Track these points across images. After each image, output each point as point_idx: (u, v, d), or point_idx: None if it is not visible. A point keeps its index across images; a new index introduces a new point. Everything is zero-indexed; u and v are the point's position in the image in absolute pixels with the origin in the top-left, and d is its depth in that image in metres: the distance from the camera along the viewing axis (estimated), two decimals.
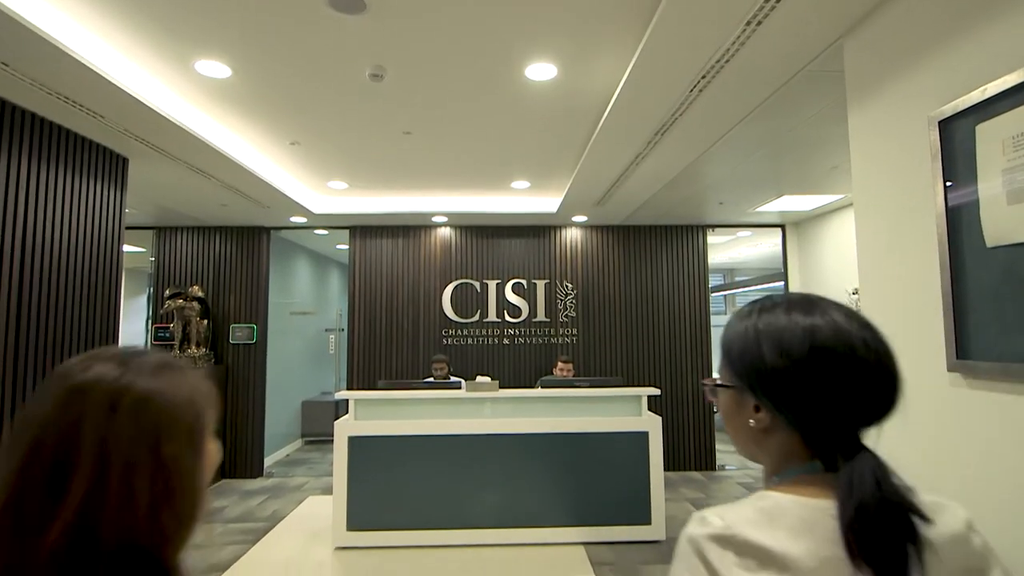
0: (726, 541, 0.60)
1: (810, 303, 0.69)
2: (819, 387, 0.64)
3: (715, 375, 0.75)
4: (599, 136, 3.38)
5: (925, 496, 0.66)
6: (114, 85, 2.60)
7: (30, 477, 0.53)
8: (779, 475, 0.71)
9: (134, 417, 0.56)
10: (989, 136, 1.55)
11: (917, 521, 0.61)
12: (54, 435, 0.54)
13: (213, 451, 0.64)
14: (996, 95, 1.51)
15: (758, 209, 5.40)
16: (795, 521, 0.61)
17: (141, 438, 0.56)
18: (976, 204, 1.60)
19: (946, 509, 0.66)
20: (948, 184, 1.70)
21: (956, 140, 1.67)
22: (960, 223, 1.66)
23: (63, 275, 3.05)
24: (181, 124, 3.11)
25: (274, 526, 4.33)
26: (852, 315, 0.68)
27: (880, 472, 0.63)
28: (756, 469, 5.98)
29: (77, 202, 3.17)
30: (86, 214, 3.24)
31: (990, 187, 1.55)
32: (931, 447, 1.83)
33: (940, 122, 1.71)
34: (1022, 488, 1.52)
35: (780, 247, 6.37)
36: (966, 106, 1.62)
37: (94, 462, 0.53)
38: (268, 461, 6.26)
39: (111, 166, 3.48)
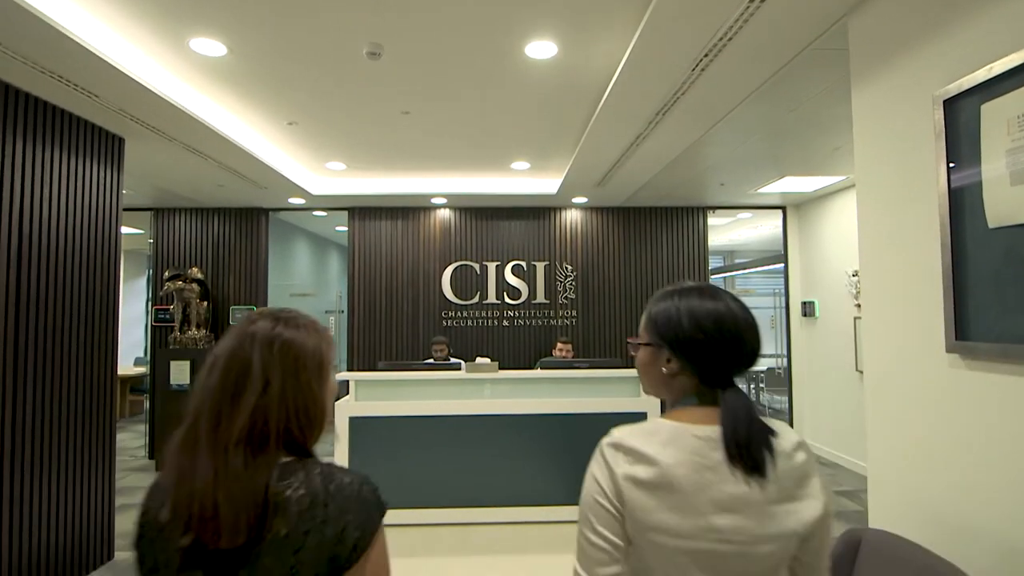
0: (618, 446, 0.93)
1: (715, 292, 1.00)
2: (717, 349, 0.96)
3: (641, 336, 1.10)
4: (600, 116, 3.34)
5: (770, 421, 0.94)
6: (108, 64, 2.56)
7: (223, 389, 0.86)
8: (675, 406, 1.00)
9: (282, 355, 0.88)
10: (994, 116, 1.54)
11: (770, 437, 0.90)
12: (236, 364, 0.87)
13: (333, 383, 0.98)
14: (1002, 74, 1.49)
15: (759, 190, 5.37)
16: (665, 437, 0.92)
17: (286, 368, 0.88)
18: (979, 185, 1.59)
19: (785, 431, 0.96)
20: (951, 165, 1.68)
21: (960, 120, 1.66)
22: (962, 204, 1.65)
23: (62, 257, 3.04)
24: (176, 103, 3.08)
25: None
26: (739, 302, 1.00)
27: (748, 403, 0.92)
28: None
29: (74, 183, 3.15)
30: (83, 195, 3.22)
31: (993, 168, 1.54)
32: (930, 427, 1.85)
33: (945, 101, 1.69)
34: (1018, 467, 1.53)
35: (781, 229, 6.35)
36: (971, 85, 1.60)
37: (259, 381, 0.85)
38: None
39: (107, 146, 3.45)
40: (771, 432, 0.92)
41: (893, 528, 1.98)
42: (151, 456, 5.66)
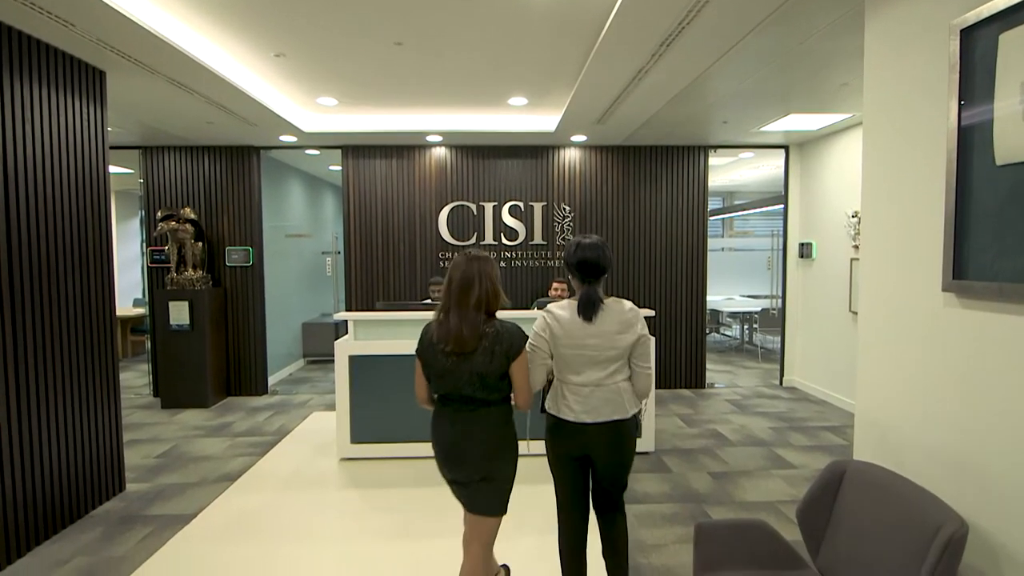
0: (547, 311, 2.11)
1: (595, 243, 2.10)
2: (584, 266, 2.08)
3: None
4: (600, 48, 3.21)
5: (614, 301, 2.11)
6: None
7: (461, 287, 1.94)
8: (574, 295, 2.11)
9: (486, 267, 1.98)
10: (1012, 46, 1.48)
11: (598, 304, 2.06)
12: (467, 275, 1.94)
13: (499, 283, 2.03)
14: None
15: (763, 129, 5.25)
16: (565, 305, 2.11)
17: (484, 275, 1.96)
18: (990, 120, 1.55)
19: (625, 305, 2.11)
20: (963, 99, 1.63)
21: (977, 51, 1.59)
22: (971, 140, 1.61)
23: (48, 197, 2.98)
24: (156, 32, 2.93)
25: (281, 439, 4.53)
26: (596, 246, 2.09)
27: (591, 292, 2.06)
28: (744, 388, 6.19)
29: (56, 119, 3.04)
30: (66, 132, 3.12)
31: (1008, 103, 1.49)
32: (920, 363, 1.88)
33: (962, 31, 1.62)
34: (1006, 403, 1.57)
35: (783, 169, 6.25)
36: (991, 13, 1.53)
37: (479, 281, 1.94)
38: (272, 380, 6.44)
39: (88, 80, 3.31)
40: (599, 302, 2.07)
41: (876, 460, 2.06)
42: (156, 394, 5.78)
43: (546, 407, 2.20)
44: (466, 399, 1.98)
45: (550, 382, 2.20)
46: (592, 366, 2.06)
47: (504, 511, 2.08)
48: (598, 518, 2.25)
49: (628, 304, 2.11)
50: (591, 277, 2.07)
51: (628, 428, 2.11)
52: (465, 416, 1.99)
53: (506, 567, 2.41)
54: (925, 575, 1.44)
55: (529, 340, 2.05)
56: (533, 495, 3.09)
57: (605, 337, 2.04)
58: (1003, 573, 1.58)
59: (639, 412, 2.17)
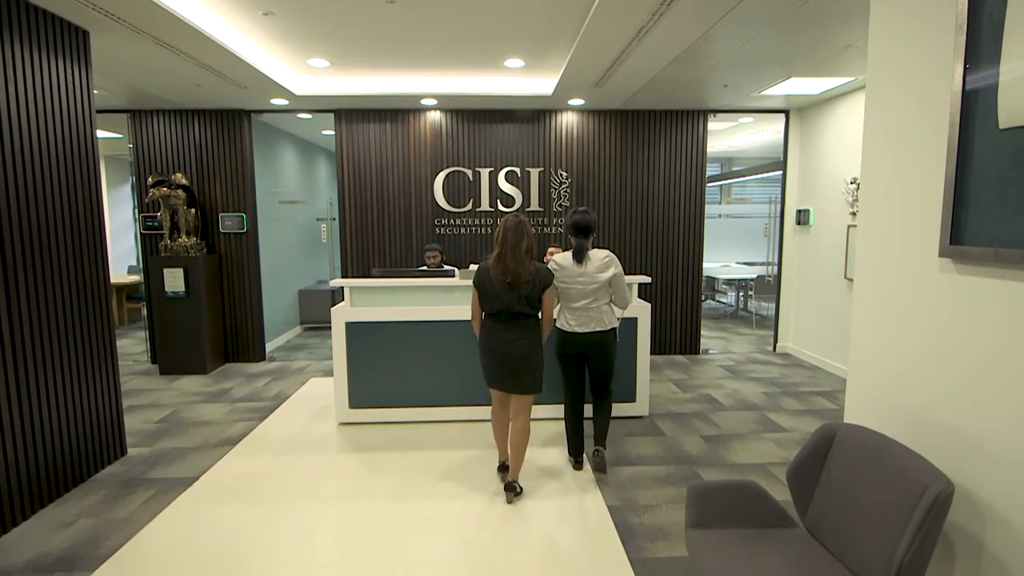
0: (554, 260, 3.19)
1: (584, 211, 3.18)
2: (576, 227, 3.14)
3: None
4: (599, 7, 3.12)
5: (596, 251, 3.16)
6: None
7: (515, 238, 2.87)
8: (571, 250, 3.18)
9: (528, 227, 2.91)
10: (1022, 6, 1.44)
11: (586, 252, 3.13)
12: (518, 230, 2.88)
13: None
14: None
15: (764, 92, 5.16)
16: (568, 255, 3.16)
17: (530, 232, 2.91)
18: (995, 83, 1.52)
19: (603, 253, 3.15)
20: (969, 61, 1.60)
21: (985, 10, 1.55)
22: (975, 103, 1.59)
23: (35, 162, 2.92)
24: None
25: (280, 405, 4.58)
26: (586, 213, 3.15)
27: (583, 244, 3.12)
28: (737, 354, 6.26)
29: (39, 81, 2.95)
30: (50, 93, 3.03)
31: (1015, 65, 1.46)
32: (913, 328, 1.90)
33: None
34: (997, 367, 1.59)
35: (782, 135, 6.17)
36: None
37: (526, 236, 2.89)
38: (269, 347, 6.47)
39: (71, 40, 3.21)
40: (586, 251, 3.11)
41: (867, 424, 2.09)
42: (154, 360, 5.81)
43: (556, 324, 3.21)
44: (513, 314, 2.90)
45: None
46: (582, 297, 3.14)
47: (539, 390, 2.99)
48: (594, 399, 3.36)
49: (605, 252, 3.17)
50: (581, 235, 3.14)
51: (608, 336, 3.20)
52: (512, 325, 2.92)
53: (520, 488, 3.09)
54: (910, 533, 1.48)
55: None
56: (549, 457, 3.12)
57: (589, 275, 3.11)
58: (988, 532, 1.63)
59: (617, 326, 3.26)
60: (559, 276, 3.09)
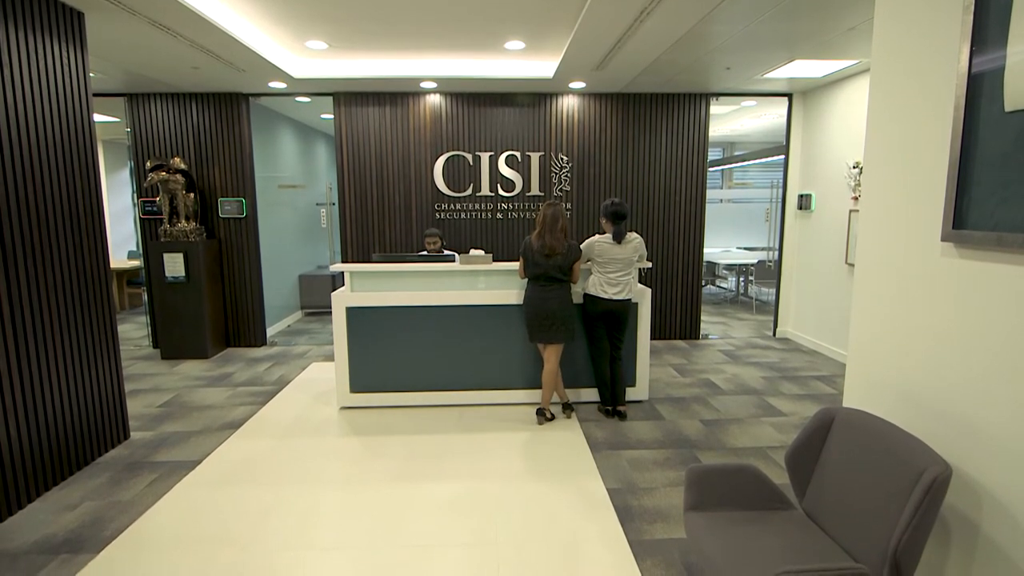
0: (597, 240, 3.83)
1: (619, 202, 3.82)
2: (616, 215, 3.78)
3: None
4: None
5: (630, 233, 3.82)
6: None
7: (552, 221, 3.66)
8: (607, 233, 3.81)
9: (561, 209, 3.71)
10: None
11: (626, 234, 3.79)
12: (556, 213, 3.67)
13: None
14: None
15: (766, 76, 5.10)
16: (606, 238, 3.80)
17: (562, 215, 3.68)
18: (1002, 65, 1.50)
19: (634, 236, 3.83)
20: (975, 43, 1.58)
21: None
22: (981, 85, 1.57)
23: (32, 146, 2.90)
24: None
25: (281, 389, 4.60)
26: (620, 203, 3.81)
27: (622, 228, 3.78)
28: (737, 339, 6.27)
29: (34, 63, 2.92)
30: (45, 76, 3.00)
31: (1021, 47, 1.44)
32: (913, 313, 1.90)
33: None
34: (996, 352, 1.59)
35: (785, 119, 6.12)
36: None
37: (561, 217, 3.67)
38: (270, 331, 6.48)
39: (66, 21, 3.17)
40: (625, 233, 3.76)
41: (866, 408, 2.10)
42: (155, 345, 5.83)
43: (589, 291, 3.86)
44: (551, 279, 3.67)
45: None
46: (617, 269, 3.77)
47: (572, 338, 3.78)
48: (612, 352, 3.94)
49: (635, 234, 3.83)
50: (620, 220, 3.77)
51: (630, 304, 3.91)
52: (550, 287, 3.69)
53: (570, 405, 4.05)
54: (907, 515, 1.50)
55: (583, 251, 3.81)
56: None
57: (626, 253, 3.77)
58: (985, 514, 1.64)
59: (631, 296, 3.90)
60: (602, 253, 3.76)
